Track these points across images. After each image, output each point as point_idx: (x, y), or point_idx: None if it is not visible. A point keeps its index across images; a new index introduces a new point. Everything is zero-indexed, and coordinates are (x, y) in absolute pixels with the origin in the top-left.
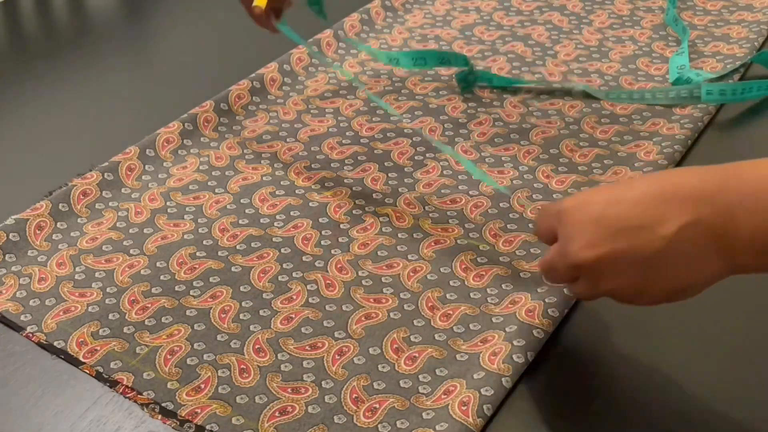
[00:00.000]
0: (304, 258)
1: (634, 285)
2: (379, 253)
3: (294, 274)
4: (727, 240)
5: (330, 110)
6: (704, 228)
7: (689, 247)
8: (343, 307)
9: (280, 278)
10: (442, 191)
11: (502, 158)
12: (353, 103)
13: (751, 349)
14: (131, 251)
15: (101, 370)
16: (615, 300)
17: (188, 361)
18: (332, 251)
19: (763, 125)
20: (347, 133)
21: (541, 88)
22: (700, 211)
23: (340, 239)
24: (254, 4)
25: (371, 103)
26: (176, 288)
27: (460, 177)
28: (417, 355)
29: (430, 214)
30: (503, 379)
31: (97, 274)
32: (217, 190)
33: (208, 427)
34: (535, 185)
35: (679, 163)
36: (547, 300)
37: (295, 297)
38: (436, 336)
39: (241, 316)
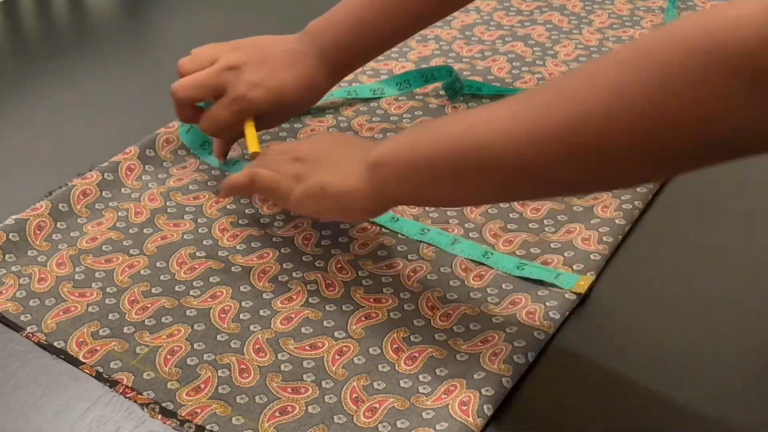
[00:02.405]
0: (304, 258)
1: (305, 163)
2: (379, 253)
3: (294, 274)
4: (369, 150)
5: (330, 110)
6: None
7: (346, 148)
8: (343, 307)
9: (280, 278)
10: None
11: None
12: (353, 103)
13: (754, 352)
14: (131, 251)
15: (101, 370)
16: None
17: (188, 361)
18: (332, 251)
19: None
20: (347, 133)
21: None
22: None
23: (340, 239)
24: (250, 151)
25: (371, 102)
26: (176, 288)
27: None
28: (417, 354)
29: (430, 214)
30: (503, 379)
31: (97, 274)
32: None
33: (208, 427)
34: None
35: None
36: (548, 303)
37: (295, 297)
38: (436, 336)
39: (241, 316)
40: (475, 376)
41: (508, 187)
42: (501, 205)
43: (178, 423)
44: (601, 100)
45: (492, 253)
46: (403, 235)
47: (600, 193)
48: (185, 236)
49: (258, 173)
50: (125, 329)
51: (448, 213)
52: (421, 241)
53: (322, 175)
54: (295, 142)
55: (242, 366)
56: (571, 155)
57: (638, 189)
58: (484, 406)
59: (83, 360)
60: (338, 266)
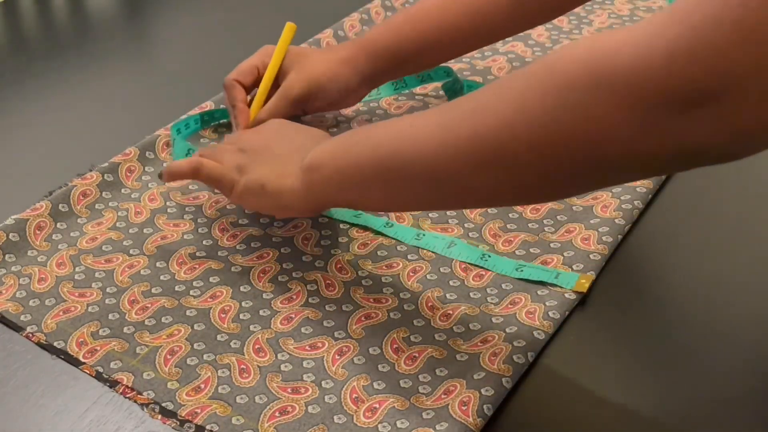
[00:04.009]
0: (303, 258)
1: (247, 154)
2: (379, 253)
3: (294, 274)
4: (307, 149)
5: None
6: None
7: (289, 139)
8: (343, 307)
9: (280, 278)
10: None
11: None
12: None
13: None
14: (131, 251)
15: (101, 370)
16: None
17: (188, 361)
18: (332, 251)
19: None
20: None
21: None
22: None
23: (340, 239)
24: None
25: (371, 102)
26: (176, 288)
27: None
28: (417, 355)
29: (430, 214)
30: (503, 379)
31: (97, 274)
32: (216, 190)
33: (208, 427)
34: None
35: None
36: (547, 303)
37: (295, 297)
38: (436, 336)
39: (241, 316)
40: (475, 376)
41: (426, 195)
42: None
43: (178, 423)
44: (508, 111)
45: (490, 256)
46: (398, 240)
47: (514, 205)
48: (185, 236)
49: (203, 163)
50: (125, 329)
51: (448, 213)
52: (417, 247)
53: (262, 171)
54: (244, 131)
55: (242, 366)
56: (480, 166)
57: (638, 189)
58: (484, 406)
59: (83, 360)
60: (338, 266)
